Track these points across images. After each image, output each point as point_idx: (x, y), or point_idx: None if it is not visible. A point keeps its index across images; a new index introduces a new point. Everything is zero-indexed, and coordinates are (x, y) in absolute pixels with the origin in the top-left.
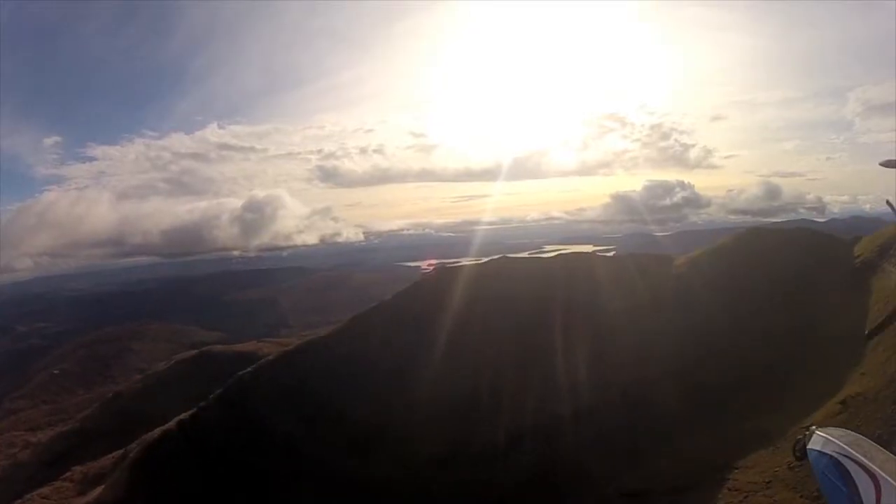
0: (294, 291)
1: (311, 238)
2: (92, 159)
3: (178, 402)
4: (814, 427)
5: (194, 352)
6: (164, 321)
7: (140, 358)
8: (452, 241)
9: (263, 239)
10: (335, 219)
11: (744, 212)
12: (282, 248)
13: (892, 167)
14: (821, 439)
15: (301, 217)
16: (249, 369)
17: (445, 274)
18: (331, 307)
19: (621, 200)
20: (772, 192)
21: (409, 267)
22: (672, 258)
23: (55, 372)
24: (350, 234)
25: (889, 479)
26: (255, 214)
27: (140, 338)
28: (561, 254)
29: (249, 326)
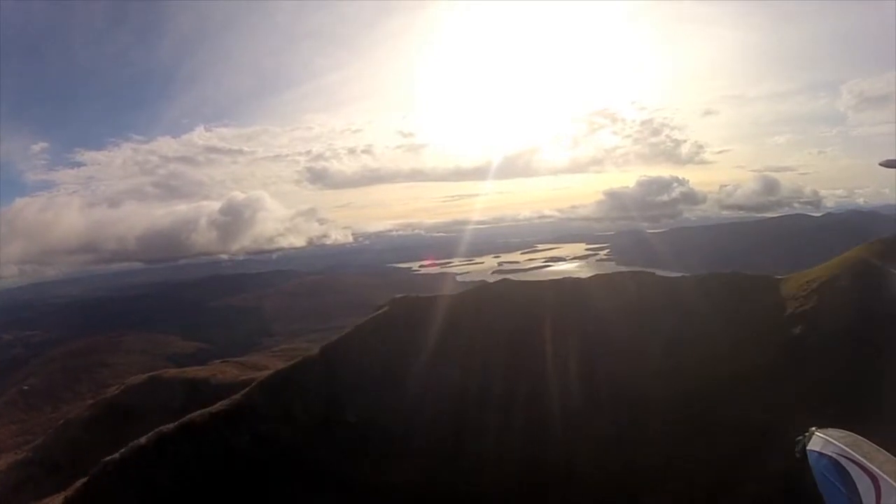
0: (280, 296)
1: (298, 240)
2: (80, 164)
3: (123, 433)
4: (813, 428)
5: (145, 377)
6: (147, 330)
7: (111, 373)
8: (444, 241)
9: (244, 242)
10: (322, 220)
11: (739, 207)
12: (270, 251)
13: (893, 167)
14: (820, 440)
15: (283, 219)
16: (115, 456)
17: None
18: (316, 313)
19: (615, 197)
20: (769, 186)
21: (400, 268)
22: (775, 280)
23: (25, 388)
24: (339, 235)
25: (889, 480)
26: (236, 217)
27: (114, 350)
28: (636, 272)
29: (231, 335)
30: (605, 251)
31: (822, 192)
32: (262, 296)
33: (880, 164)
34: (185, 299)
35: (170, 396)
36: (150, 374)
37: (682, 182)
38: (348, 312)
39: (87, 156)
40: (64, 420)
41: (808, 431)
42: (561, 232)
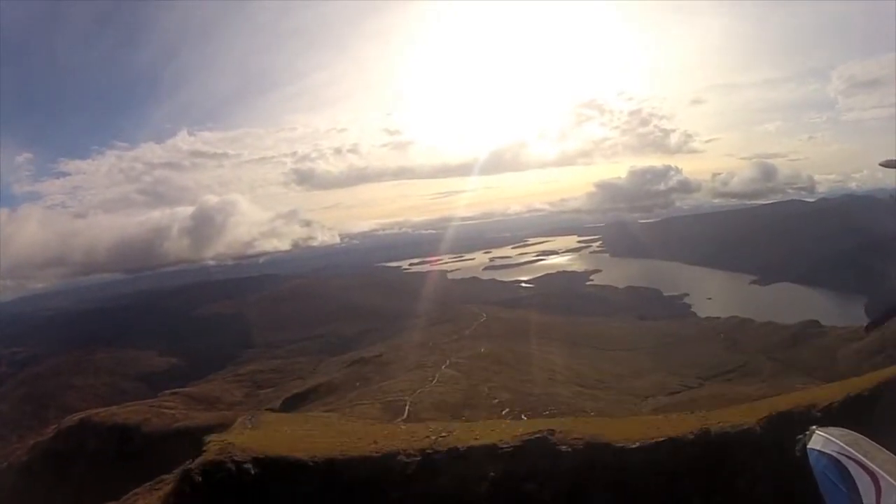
0: (264, 303)
1: (282, 244)
2: (65, 174)
3: (56, 482)
4: (814, 427)
5: (77, 419)
6: (126, 344)
7: (78, 396)
8: (432, 238)
9: (218, 248)
10: (305, 222)
11: (733, 195)
12: (256, 256)
13: (893, 167)
14: (821, 439)
15: (261, 223)
16: None
17: None
18: (299, 320)
19: (606, 189)
20: (766, 172)
21: (389, 267)
22: None
23: None
24: (325, 236)
25: (889, 478)
26: (206, 223)
27: (84, 370)
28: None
29: (210, 347)
30: (597, 243)
31: (816, 178)
32: (246, 302)
33: (880, 165)
34: (169, 308)
35: (98, 444)
36: (82, 415)
37: (676, 171)
38: (331, 319)
39: (72, 165)
40: (7, 463)
41: (808, 430)
42: (552, 225)
